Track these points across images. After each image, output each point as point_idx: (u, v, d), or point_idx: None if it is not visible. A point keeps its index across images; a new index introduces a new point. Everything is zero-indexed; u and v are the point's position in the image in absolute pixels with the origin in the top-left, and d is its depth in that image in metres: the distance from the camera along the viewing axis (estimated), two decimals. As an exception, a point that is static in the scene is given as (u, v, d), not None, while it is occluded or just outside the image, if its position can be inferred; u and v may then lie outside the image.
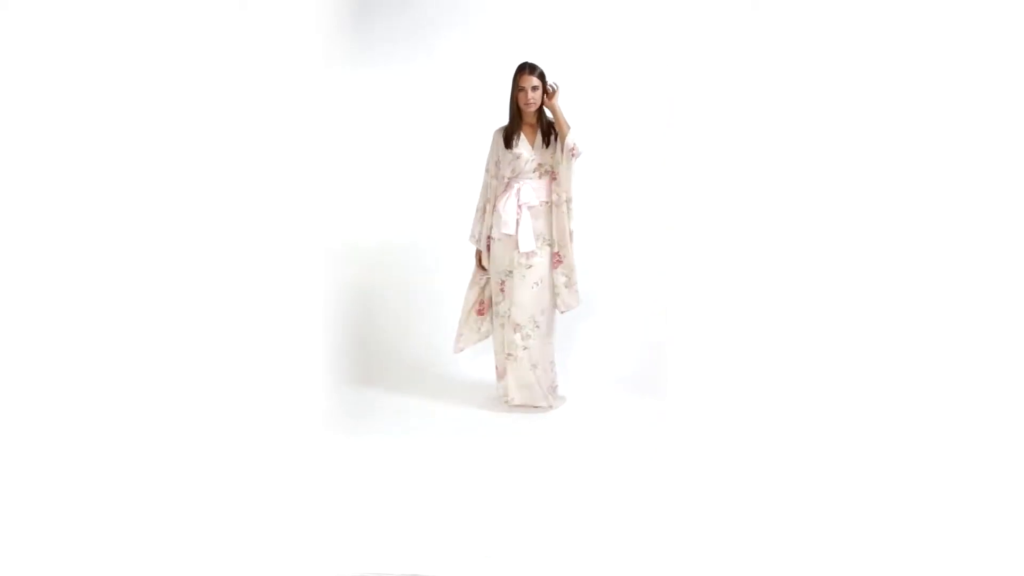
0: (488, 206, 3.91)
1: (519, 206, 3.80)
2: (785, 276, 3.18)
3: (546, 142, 3.82)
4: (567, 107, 3.75)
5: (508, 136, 3.83)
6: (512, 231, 3.81)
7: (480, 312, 3.97)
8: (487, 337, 3.97)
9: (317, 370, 3.59)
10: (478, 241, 3.96)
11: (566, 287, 3.88)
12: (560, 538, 2.61)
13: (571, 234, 3.87)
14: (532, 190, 3.82)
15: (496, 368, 3.97)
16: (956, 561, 2.36)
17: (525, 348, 3.81)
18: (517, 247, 3.80)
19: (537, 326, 3.82)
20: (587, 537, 2.61)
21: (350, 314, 4.20)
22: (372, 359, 4.21)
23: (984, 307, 2.67)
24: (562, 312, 3.90)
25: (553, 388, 3.92)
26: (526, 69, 3.75)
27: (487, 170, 3.91)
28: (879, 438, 2.82)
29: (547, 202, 3.83)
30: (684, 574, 2.39)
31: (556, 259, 3.87)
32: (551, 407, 3.85)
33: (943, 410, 2.71)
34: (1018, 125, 2.60)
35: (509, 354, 3.83)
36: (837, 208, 2.99)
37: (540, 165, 3.82)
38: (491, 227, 3.88)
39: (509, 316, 3.84)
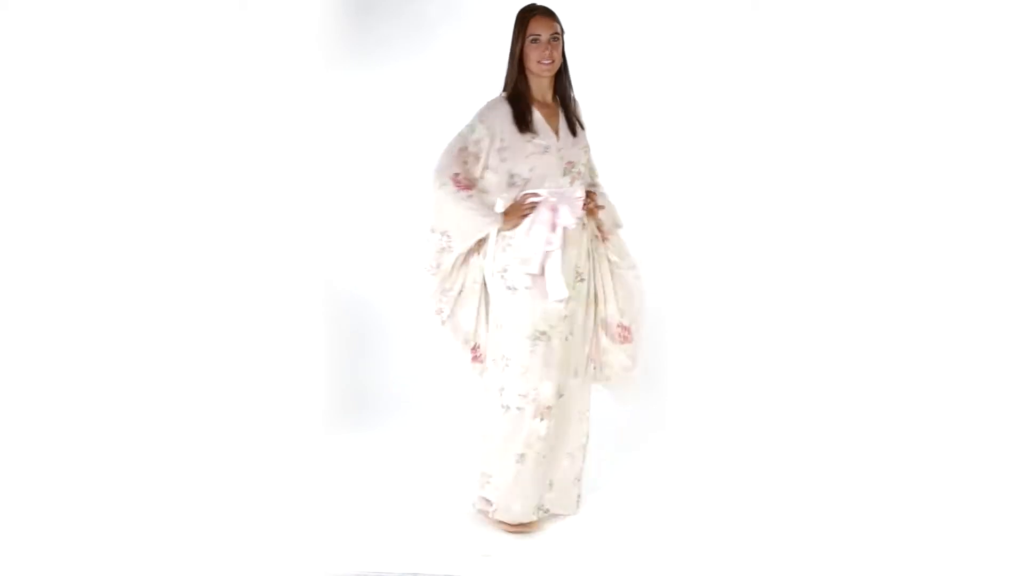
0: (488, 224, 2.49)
1: (553, 230, 2.45)
2: (785, 276, 3.19)
3: (572, 128, 2.53)
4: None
5: (522, 114, 2.46)
6: (537, 270, 2.47)
7: (475, 359, 2.67)
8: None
9: (317, 370, 3.59)
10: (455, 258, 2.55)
11: (624, 370, 2.71)
12: (559, 537, 2.61)
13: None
14: (570, 204, 2.49)
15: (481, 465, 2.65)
16: (956, 561, 2.36)
17: (541, 437, 2.53)
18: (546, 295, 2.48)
19: (560, 395, 2.56)
20: (586, 535, 2.61)
21: (350, 315, 4.19)
22: (372, 358, 4.19)
23: (985, 307, 2.67)
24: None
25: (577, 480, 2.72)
26: (539, 10, 2.45)
27: (462, 156, 2.54)
28: (880, 438, 2.82)
29: (580, 219, 2.53)
30: (684, 572, 2.39)
31: (622, 334, 2.69)
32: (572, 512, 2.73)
33: (944, 408, 2.71)
34: (1018, 125, 2.60)
35: (522, 454, 2.53)
36: (837, 207, 2.99)
37: (571, 164, 2.51)
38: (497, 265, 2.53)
39: (534, 397, 2.50)
